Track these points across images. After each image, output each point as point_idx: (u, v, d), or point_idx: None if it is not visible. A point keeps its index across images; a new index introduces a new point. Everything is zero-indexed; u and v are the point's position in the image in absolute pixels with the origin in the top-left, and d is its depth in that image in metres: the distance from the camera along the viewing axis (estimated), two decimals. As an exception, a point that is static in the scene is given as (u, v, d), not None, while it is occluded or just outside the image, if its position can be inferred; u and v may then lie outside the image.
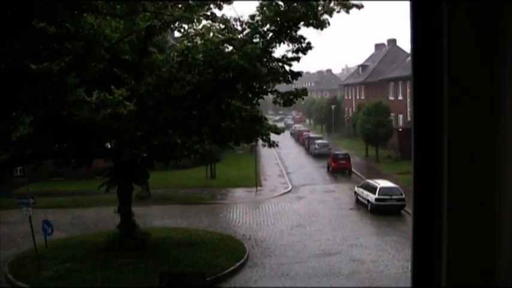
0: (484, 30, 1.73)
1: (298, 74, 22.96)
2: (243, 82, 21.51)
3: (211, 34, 21.81)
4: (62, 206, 35.93)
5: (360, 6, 20.03)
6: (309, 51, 22.12)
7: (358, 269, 22.88)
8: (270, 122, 27.77)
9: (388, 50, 76.01)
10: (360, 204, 35.29)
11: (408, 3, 1.87)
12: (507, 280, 1.75)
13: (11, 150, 21.73)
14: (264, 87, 22.83)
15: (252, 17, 21.29)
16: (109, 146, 27.13)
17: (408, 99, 55.47)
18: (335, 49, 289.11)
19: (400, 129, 52.87)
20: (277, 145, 25.05)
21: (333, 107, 78.75)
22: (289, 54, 22.14)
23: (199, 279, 18.10)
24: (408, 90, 56.09)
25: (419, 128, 1.88)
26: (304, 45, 21.77)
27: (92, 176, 36.36)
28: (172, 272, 20.13)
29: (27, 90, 15.53)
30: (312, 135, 71.37)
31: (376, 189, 33.25)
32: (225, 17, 21.54)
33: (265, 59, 21.90)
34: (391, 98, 62.57)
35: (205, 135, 24.36)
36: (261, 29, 21.41)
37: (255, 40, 21.42)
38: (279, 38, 21.41)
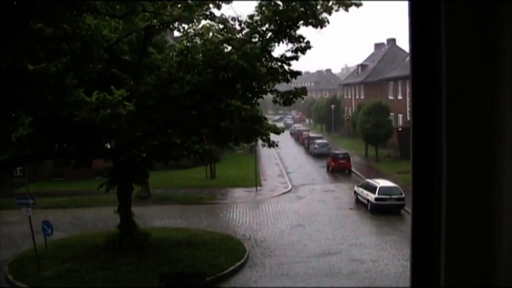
0: (483, 30, 1.73)
1: (298, 73, 22.95)
2: (242, 82, 21.51)
3: (210, 34, 21.80)
4: (61, 206, 35.93)
5: (358, 4, 20.02)
6: (309, 51, 22.13)
7: (358, 269, 22.88)
8: (270, 122, 27.76)
9: (387, 49, 76.02)
10: (359, 203, 35.29)
11: (407, 3, 1.88)
12: (506, 280, 1.76)
13: (10, 151, 21.72)
14: (264, 86, 22.83)
15: (251, 16, 21.28)
16: (109, 146, 27.12)
17: (408, 99, 55.46)
18: (334, 49, 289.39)
19: (400, 129, 52.88)
20: (276, 145, 25.03)
21: (332, 106, 78.75)
22: (289, 54, 22.14)
23: (199, 279, 18.10)
24: (408, 90, 56.08)
25: (418, 128, 1.88)
26: (303, 44, 21.76)
27: (91, 176, 36.36)
28: (172, 272, 20.13)
29: (26, 90, 15.52)
30: (311, 134, 71.36)
31: (375, 188, 33.26)
32: (223, 16, 21.53)
33: (264, 59, 21.89)
34: (391, 97, 62.59)
35: (205, 135, 24.35)
36: (260, 29, 21.39)
37: (254, 40, 21.42)
38: (278, 38, 21.40)
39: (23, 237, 25.71)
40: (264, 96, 24.56)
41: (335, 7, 20.42)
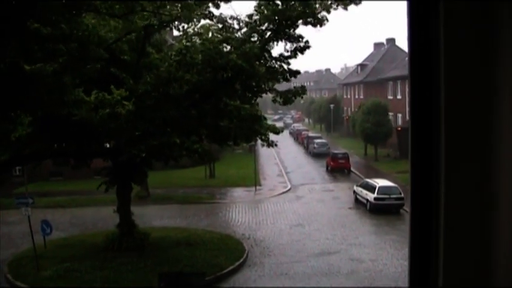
0: (481, 30, 1.73)
1: (297, 73, 22.95)
2: (242, 81, 21.51)
3: (210, 34, 21.80)
4: (61, 205, 35.92)
5: (357, 2, 20.02)
6: (308, 51, 22.13)
7: (357, 268, 22.89)
8: (269, 121, 27.76)
9: (387, 49, 76.04)
10: (359, 203, 35.30)
11: (405, 3, 1.88)
12: (505, 280, 1.76)
13: (10, 151, 21.71)
14: (263, 86, 22.82)
15: (250, 16, 21.28)
16: (108, 146, 27.11)
17: (407, 99, 55.43)
18: (334, 48, 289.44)
19: (399, 128, 52.88)
20: (276, 145, 25.03)
21: (331, 106, 78.75)
22: (287, 54, 22.13)
23: (199, 278, 18.10)
24: (407, 90, 56.04)
25: (416, 128, 1.88)
26: (302, 44, 21.76)
27: (90, 176, 36.36)
28: (171, 272, 20.14)
29: (25, 90, 15.52)
30: (311, 134, 71.36)
31: (375, 188, 33.27)
32: (222, 16, 21.53)
33: (263, 58, 21.89)
34: (390, 97, 62.61)
35: (204, 135, 24.36)
36: (259, 28, 21.39)
37: (253, 39, 21.42)
38: (277, 37, 21.40)
39: (22, 237, 25.71)
40: (263, 95, 24.55)
41: (334, 6, 20.43)
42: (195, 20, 21.64)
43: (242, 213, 34.25)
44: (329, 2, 20.44)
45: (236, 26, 21.64)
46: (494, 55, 1.72)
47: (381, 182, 34.50)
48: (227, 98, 22.09)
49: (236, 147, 46.82)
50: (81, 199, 37.30)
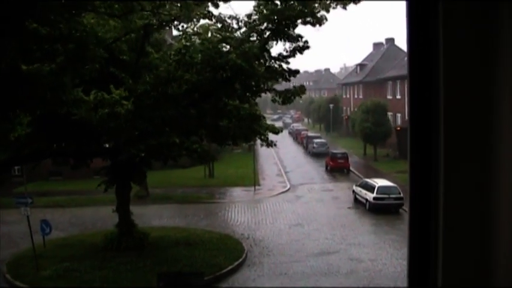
0: (481, 30, 1.73)
1: (296, 72, 22.95)
2: (241, 81, 21.50)
3: (209, 34, 21.79)
4: (60, 205, 35.92)
5: (356, 1, 20.01)
6: (308, 51, 22.11)
7: (356, 268, 22.89)
8: (269, 121, 27.76)
9: (386, 49, 76.06)
10: (358, 203, 35.32)
11: (404, 3, 1.88)
12: (504, 280, 1.76)
13: (9, 150, 21.71)
14: (262, 85, 22.81)
15: (249, 15, 21.28)
16: (107, 146, 27.10)
17: (406, 98, 55.44)
18: (333, 48, 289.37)
19: (398, 128, 52.90)
20: (275, 145, 25.04)
21: (331, 106, 78.76)
22: (288, 54, 22.13)
23: (198, 278, 18.10)
24: (406, 90, 56.08)
25: (415, 128, 1.88)
26: (301, 44, 21.75)
27: (90, 176, 36.37)
28: (170, 272, 20.14)
29: (25, 90, 15.52)
30: (310, 134, 71.37)
31: (374, 188, 33.29)
32: (221, 15, 21.53)
33: (262, 58, 21.89)
34: (389, 97, 62.65)
35: (203, 135, 24.37)
36: (258, 28, 21.39)
37: (252, 39, 21.41)
38: (276, 37, 21.39)
39: (22, 237, 25.68)
40: (262, 95, 24.55)
41: (333, 5, 20.42)
42: (194, 19, 21.63)
43: (241, 213, 34.25)
44: (328, 1, 20.43)
45: (235, 26, 21.65)
46: (494, 55, 1.72)
47: (380, 182, 34.52)
48: (226, 98, 22.10)
49: (235, 147, 46.88)
50: (81, 199, 37.30)
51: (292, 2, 20.45)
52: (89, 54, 15.83)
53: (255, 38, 21.51)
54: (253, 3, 21.19)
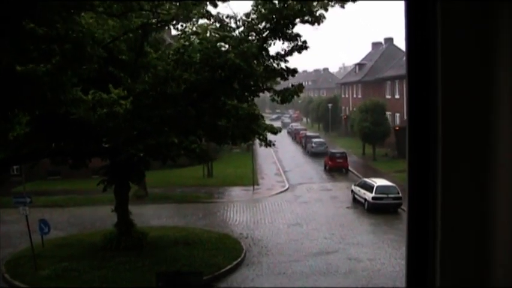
0: (479, 30, 1.74)
1: (294, 71, 22.93)
2: (239, 80, 21.49)
3: (208, 33, 21.77)
4: (59, 205, 35.92)
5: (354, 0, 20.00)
6: (306, 50, 22.09)
7: (355, 268, 22.90)
8: (267, 121, 27.76)
9: (385, 48, 76.06)
10: (356, 202, 35.32)
11: (403, 3, 1.88)
12: (502, 280, 1.76)
13: (8, 150, 21.70)
14: (260, 85, 22.79)
15: (247, 14, 21.27)
16: (106, 145, 27.08)
17: (405, 98, 55.46)
18: (332, 48, 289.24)
19: (397, 128, 52.92)
20: (273, 144, 25.04)
21: (330, 105, 78.74)
22: (286, 53, 22.12)
23: (196, 278, 18.11)
24: (405, 89, 56.08)
25: (414, 128, 1.89)
26: (300, 43, 21.74)
27: (88, 175, 36.33)
28: (169, 271, 20.13)
29: (22, 90, 15.52)
30: (309, 133, 71.37)
31: (373, 187, 33.30)
32: (220, 14, 21.52)
33: (261, 57, 21.88)
34: (388, 96, 62.66)
35: (202, 135, 24.37)
36: (256, 27, 21.38)
37: (250, 38, 21.40)
38: (274, 36, 21.39)
39: (20, 236, 25.69)
40: (261, 94, 24.54)
41: (331, 3, 20.42)
42: (193, 19, 21.62)
43: (240, 212, 34.25)
44: (326, 0, 20.42)
45: (233, 25, 21.64)
46: (493, 55, 1.72)
47: (378, 182, 34.53)
48: (225, 97, 22.09)
49: (234, 147, 46.86)
50: (79, 198, 37.29)
51: (290, 1, 20.45)
52: (85, 54, 15.81)
53: (253, 38, 21.50)
54: (251, 2, 21.20)
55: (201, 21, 21.90)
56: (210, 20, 21.53)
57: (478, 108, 1.75)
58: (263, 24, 21.30)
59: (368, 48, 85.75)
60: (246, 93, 22.80)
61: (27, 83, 14.94)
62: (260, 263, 23.67)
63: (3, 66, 14.64)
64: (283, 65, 22.39)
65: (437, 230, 1.81)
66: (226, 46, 21.22)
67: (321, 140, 63.06)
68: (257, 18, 21.13)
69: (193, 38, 21.83)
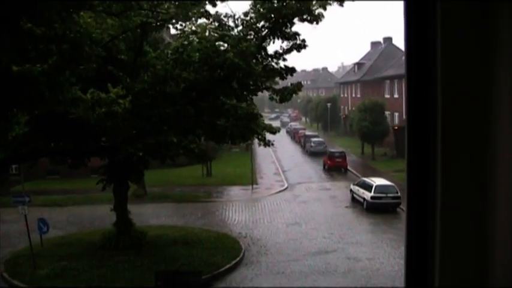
0: (479, 30, 1.74)
1: (293, 70, 22.94)
2: (238, 79, 21.50)
3: (207, 33, 21.77)
4: (57, 204, 35.89)
5: None
6: (305, 50, 22.10)
7: (354, 267, 22.91)
8: (266, 120, 27.75)
9: (384, 48, 76.04)
10: (355, 202, 35.32)
11: (403, 3, 1.88)
12: (501, 280, 1.76)
13: (7, 150, 21.68)
14: (259, 84, 22.79)
15: (246, 14, 21.28)
16: (105, 145, 27.07)
17: (404, 98, 55.47)
18: (331, 47, 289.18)
19: (396, 127, 52.94)
20: (272, 144, 25.04)
21: (328, 105, 78.72)
22: (284, 52, 22.13)
23: (195, 277, 18.12)
24: (404, 89, 56.11)
25: (413, 127, 1.89)
26: (298, 42, 21.75)
27: (87, 174, 36.31)
28: (168, 270, 20.15)
29: (19, 89, 15.51)
30: (308, 133, 71.36)
31: (371, 187, 33.30)
32: (218, 13, 21.54)
33: (260, 56, 21.88)
34: (387, 96, 62.66)
35: (201, 134, 24.37)
36: (255, 26, 21.39)
37: (249, 37, 21.40)
38: (273, 35, 21.39)
39: (19, 235, 25.68)
40: (260, 94, 24.54)
41: (330, 1, 20.42)
42: (193, 18, 21.63)
43: (239, 211, 34.26)
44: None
45: (232, 24, 21.64)
46: (492, 55, 1.72)
47: (377, 181, 34.53)
48: (224, 97, 22.09)
49: (233, 146, 46.86)
50: (78, 197, 37.28)
51: (289, 0, 20.46)
52: (83, 54, 15.79)
53: (252, 37, 21.50)
54: (250, 1, 21.21)
55: (200, 20, 21.93)
56: (209, 19, 21.54)
57: (478, 108, 1.75)
58: (262, 23, 21.31)
59: (367, 48, 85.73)
60: (244, 93, 22.81)
61: (25, 83, 14.93)
62: (259, 262, 23.67)
63: (3, 66, 14.63)
64: (282, 64, 22.42)
65: (436, 229, 1.81)
66: (225, 45, 21.22)
67: (320, 139, 63.06)
68: (256, 17, 21.14)
69: (192, 37, 21.82)
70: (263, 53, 22.05)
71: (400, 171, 41.27)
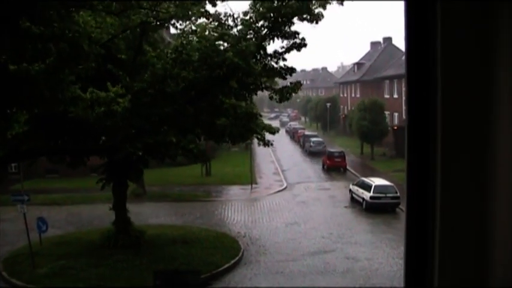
0: (479, 30, 1.74)
1: (292, 70, 22.95)
2: (238, 79, 21.51)
3: (206, 32, 21.79)
4: (56, 203, 35.86)
5: None
6: (305, 49, 22.12)
7: (353, 267, 22.90)
8: (266, 120, 27.74)
9: (383, 48, 76.09)
10: (354, 202, 35.32)
11: (403, 3, 1.88)
12: (501, 280, 1.76)
13: (6, 148, 21.68)
14: (259, 83, 22.80)
15: (245, 13, 21.29)
16: (104, 144, 27.06)
17: (403, 98, 55.54)
18: (331, 47, 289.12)
19: (395, 127, 52.96)
20: (272, 144, 25.03)
21: (328, 104, 78.71)
22: (284, 51, 22.14)
23: (194, 276, 18.11)
24: (403, 89, 56.18)
25: (413, 127, 1.88)
26: (298, 40, 21.75)
27: (87, 173, 36.25)
28: (167, 270, 20.14)
29: (19, 88, 15.52)
30: (307, 133, 71.38)
31: (371, 187, 33.30)
32: (217, 13, 21.56)
33: (259, 56, 21.89)
34: (387, 96, 62.68)
35: (200, 133, 24.37)
36: (254, 26, 21.39)
37: (248, 36, 21.41)
38: (272, 34, 21.40)
39: (18, 234, 25.62)
40: (259, 93, 24.54)
41: (330, 1, 20.43)
42: (193, 18, 21.64)
43: (238, 211, 34.26)
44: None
45: (231, 23, 21.65)
46: (492, 55, 1.72)
47: (376, 181, 34.53)
48: (223, 96, 22.09)
49: (232, 146, 46.88)
50: (77, 196, 37.25)
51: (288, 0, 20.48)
52: (82, 53, 15.79)
53: (251, 36, 21.51)
54: (249, 1, 21.22)
55: (200, 20, 21.93)
56: (208, 19, 21.54)
57: (478, 108, 1.75)
58: (261, 22, 21.32)
59: (367, 48, 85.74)
60: (244, 92, 22.81)
61: (24, 82, 14.93)
62: (258, 262, 23.66)
63: (2, 65, 14.64)
64: (281, 63, 22.43)
65: (436, 229, 1.81)
66: (225, 45, 21.23)
67: (319, 139, 63.06)
68: (255, 16, 21.16)
69: (191, 36, 21.84)
70: (262, 53, 22.06)
71: (400, 171, 41.28)
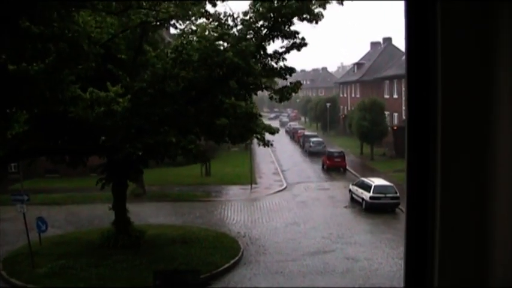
0: (479, 30, 1.74)
1: (292, 70, 22.95)
2: (237, 79, 21.51)
3: (206, 32, 21.79)
4: (56, 202, 35.85)
5: None
6: (305, 49, 22.16)
7: (352, 267, 22.90)
8: (265, 120, 27.73)
9: (383, 48, 76.10)
10: (354, 202, 35.31)
11: (403, 3, 1.88)
12: (501, 280, 1.76)
13: (6, 148, 21.67)
14: (259, 83, 22.81)
15: (245, 13, 21.28)
16: (104, 144, 27.05)
17: (403, 98, 55.56)
18: (330, 47, 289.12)
19: (395, 128, 52.95)
20: (271, 144, 25.02)
21: (328, 105, 78.70)
22: (284, 51, 22.14)
23: (194, 276, 18.09)
24: (403, 89, 56.19)
25: (413, 128, 1.88)
26: (298, 40, 21.75)
27: (86, 173, 36.22)
28: (166, 270, 20.13)
29: (18, 88, 15.53)
30: (307, 133, 71.36)
31: (370, 187, 33.29)
32: (217, 12, 21.57)
33: (259, 56, 21.89)
34: (387, 96, 62.68)
35: (200, 133, 24.37)
36: (254, 26, 21.39)
37: (248, 36, 21.41)
38: (272, 34, 21.40)
39: (18, 234, 25.61)
40: (259, 93, 24.55)
41: (330, 0, 20.43)
42: (193, 18, 21.65)
43: (237, 211, 34.24)
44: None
45: (231, 23, 21.65)
46: (492, 55, 1.72)
47: (376, 181, 34.52)
48: (223, 96, 22.09)
49: (232, 146, 46.88)
50: (77, 196, 37.23)
51: (288, 0, 20.48)
52: (81, 53, 15.79)
53: (251, 36, 21.51)
54: (249, 1, 21.23)
55: (200, 20, 21.94)
56: (208, 19, 21.55)
57: (478, 108, 1.75)
58: (261, 22, 21.33)
59: (367, 48, 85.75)
60: (244, 92, 22.82)
61: (24, 82, 14.93)
62: (257, 262, 23.66)
63: (2, 65, 14.64)
64: (281, 63, 22.44)
65: (435, 230, 1.81)
66: (225, 44, 21.24)
67: (319, 139, 63.05)
68: (255, 16, 21.16)
69: (191, 36, 21.84)
70: (262, 53, 22.07)
71: (399, 171, 41.28)
